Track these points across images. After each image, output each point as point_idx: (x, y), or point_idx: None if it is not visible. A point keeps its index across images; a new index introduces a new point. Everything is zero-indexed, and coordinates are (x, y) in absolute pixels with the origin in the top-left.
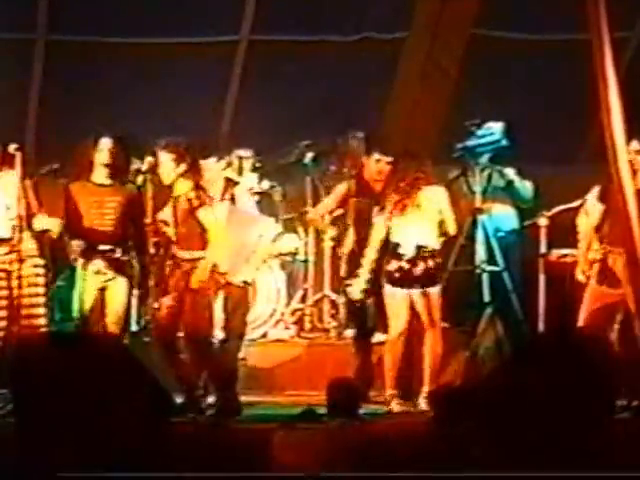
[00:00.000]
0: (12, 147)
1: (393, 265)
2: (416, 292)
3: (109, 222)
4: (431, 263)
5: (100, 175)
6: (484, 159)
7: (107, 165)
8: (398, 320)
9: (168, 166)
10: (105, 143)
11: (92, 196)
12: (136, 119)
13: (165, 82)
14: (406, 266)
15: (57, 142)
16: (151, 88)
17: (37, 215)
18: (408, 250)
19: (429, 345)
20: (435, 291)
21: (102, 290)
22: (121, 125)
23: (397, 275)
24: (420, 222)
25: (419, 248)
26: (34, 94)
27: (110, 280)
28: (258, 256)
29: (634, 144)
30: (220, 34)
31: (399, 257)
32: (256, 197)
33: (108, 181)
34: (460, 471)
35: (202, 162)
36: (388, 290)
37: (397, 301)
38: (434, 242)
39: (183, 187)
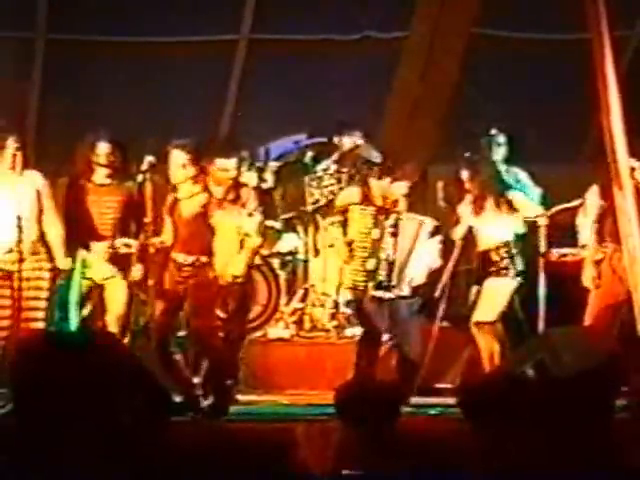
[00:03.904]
0: (12, 147)
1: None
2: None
3: (108, 221)
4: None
5: (99, 175)
6: (496, 159)
7: (106, 167)
8: (498, 308)
9: (179, 167)
10: (103, 147)
11: (91, 195)
12: (136, 119)
13: (165, 82)
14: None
15: (57, 142)
16: (151, 88)
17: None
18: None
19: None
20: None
21: (101, 289)
22: (121, 125)
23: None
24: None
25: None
26: (34, 94)
27: (109, 279)
28: (246, 250)
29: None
30: (220, 33)
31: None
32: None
33: (107, 181)
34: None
35: (217, 161)
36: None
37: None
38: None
39: (192, 189)
